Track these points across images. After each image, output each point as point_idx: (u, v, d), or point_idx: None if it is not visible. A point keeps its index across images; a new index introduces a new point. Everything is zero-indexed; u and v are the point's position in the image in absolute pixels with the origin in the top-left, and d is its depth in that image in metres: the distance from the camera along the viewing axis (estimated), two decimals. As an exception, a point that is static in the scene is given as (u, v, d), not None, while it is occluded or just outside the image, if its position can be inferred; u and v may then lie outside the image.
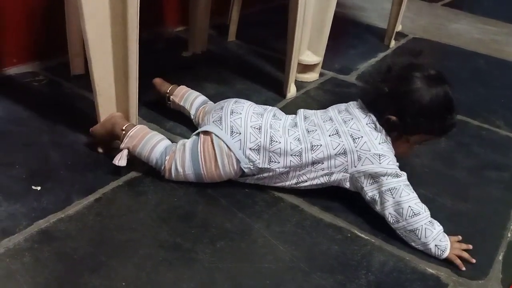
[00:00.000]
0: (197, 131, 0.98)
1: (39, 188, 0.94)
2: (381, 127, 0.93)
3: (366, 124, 0.93)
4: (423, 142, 0.99)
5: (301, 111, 1.01)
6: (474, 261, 0.88)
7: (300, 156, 0.93)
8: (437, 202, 1.03)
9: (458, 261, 0.87)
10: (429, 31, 2.07)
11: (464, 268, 0.86)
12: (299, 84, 1.46)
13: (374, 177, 0.91)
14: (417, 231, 0.87)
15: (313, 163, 0.93)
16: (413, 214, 0.87)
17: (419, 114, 0.91)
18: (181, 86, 1.19)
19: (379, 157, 0.90)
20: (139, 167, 1.01)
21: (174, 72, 1.45)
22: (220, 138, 0.93)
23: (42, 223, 0.86)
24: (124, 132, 0.98)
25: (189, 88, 1.19)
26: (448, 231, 0.95)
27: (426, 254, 0.89)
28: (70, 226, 0.86)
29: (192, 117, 1.13)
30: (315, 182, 0.96)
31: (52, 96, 1.26)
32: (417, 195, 0.91)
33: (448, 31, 2.10)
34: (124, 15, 0.93)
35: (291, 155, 0.93)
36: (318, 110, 1.01)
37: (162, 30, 1.72)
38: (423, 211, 0.88)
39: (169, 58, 1.56)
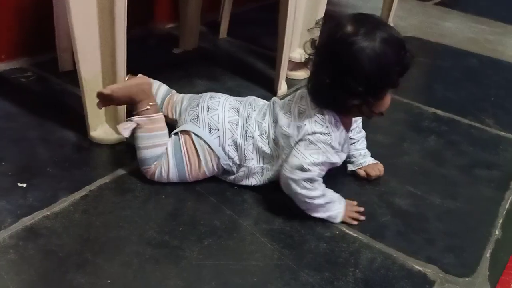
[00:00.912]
0: (175, 131, 0.97)
1: (25, 184, 0.93)
2: (331, 117, 0.88)
3: (315, 115, 0.88)
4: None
5: (273, 99, 0.98)
6: (363, 218, 0.93)
7: (270, 154, 0.93)
8: (426, 200, 1.03)
9: (348, 220, 0.93)
10: (421, 30, 2.07)
11: (355, 223, 0.93)
12: (290, 82, 1.45)
13: (293, 156, 0.88)
14: (310, 210, 0.92)
15: (278, 159, 0.93)
16: (307, 204, 0.90)
17: (380, 75, 0.82)
18: (140, 75, 1.07)
19: (309, 143, 0.87)
20: (126, 165, 1.00)
21: (164, 69, 1.44)
22: (199, 136, 0.93)
23: (28, 220, 0.85)
24: (148, 108, 0.93)
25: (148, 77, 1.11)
26: (437, 229, 0.95)
27: (414, 252, 0.89)
28: (56, 223, 0.85)
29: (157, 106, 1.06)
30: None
31: (41, 92, 1.25)
32: (315, 185, 0.89)
33: (440, 30, 2.10)
34: (111, 9, 0.92)
35: (261, 152, 0.93)
36: (289, 97, 0.96)
37: (153, 27, 1.71)
38: (317, 200, 0.90)
39: (160, 54, 1.55)
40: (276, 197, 0.98)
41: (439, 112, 1.40)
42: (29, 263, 0.77)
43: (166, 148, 0.94)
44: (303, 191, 0.88)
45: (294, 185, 0.89)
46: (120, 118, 1.05)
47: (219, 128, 0.93)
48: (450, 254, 0.89)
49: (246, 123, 0.94)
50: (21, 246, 0.80)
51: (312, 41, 0.88)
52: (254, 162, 0.94)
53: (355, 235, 0.91)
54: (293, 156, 0.88)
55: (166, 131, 0.95)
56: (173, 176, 0.94)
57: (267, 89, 1.40)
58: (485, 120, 1.38)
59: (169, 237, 0.85)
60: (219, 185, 0.98)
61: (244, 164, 0.94)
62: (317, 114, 0.88)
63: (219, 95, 1.00)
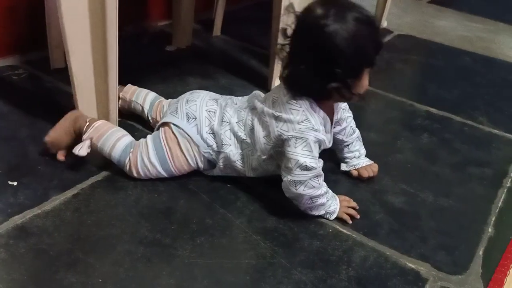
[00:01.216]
0: (157, 126, 0.98)
1: (15, 183, 0.92)
2: (305, 101, 0.86)
3: (287, 102, 0.87)
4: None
5: (255, 92, 0.97)
6: (358, 216, 0.94)
7: (245, 140, 0.92)
8: (419, 198, 1.03)
9: (345, 216, 0.93)
10: (415, 28, 2.07)
11: (350, 222, 0.93)
12: (284, 80, 1.45)
13: (289, 160, 0.88)
14: (311, 209, 0.92)
15: (255, 149, 0.92)
16: (312, 202, 0.90)
17: (357, 54, 0.81)
18: (129, 85, 1.14)
19: (296, 140, 0.86)
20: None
21: (157, 66, 1.44)
22: (178, 126, 0.94)
23: (18, 219, 0.84)
24: (88, 123, 0.96)
25: (137, 87, 1.14)
26: (429, 226, 0.95)
27: (407, 249, 0.89)
28: (47, 222, 0.84)
29: (146, 113, 1.09)
30: (271, 172, 0.95)
31: (32, 90, 1.24)
32: (320, 182, 0.90)
33: (434, 28, 2.10)
34: (102, 7, 0.91)
35: (237, 137, 0.93)
36: (271, 91, 0.95)
37: (146, 24, 1.70)
38: (321, 199, 0.90)
39: (153, 52, 1.55)
40: (270, 195, 0.98)
41: (432, 110, 1.40)
42: (20, 262, 0.76)
43: (146, 139, 0.95)
44: (310, 191, 0.88)
45: (301, 187, 0.88)
46: (112, 115, 1.04)
47: (196, 117, 0.94)
48: (443, 252, 0.90)
49: (224, 110, 0.95)
50: (11, 245, 0.79)
51: (283, 30, 0.86)
52: (232, 148, 0.93)
53: (348, 233, 0.91)
54: (290, 159, 0.87)
55: (118, 127, 0.99)
56: (155, 163, 0.93)
57: (261, 86, 1.39)
58: (478, 118, 1.38)
59: (161, 235, 0.85)
60: (212, 183, 0.98)
61: (222, 150, 0.94)
62: (290, 101, 0.86)
63: (201, 91, 1.02)
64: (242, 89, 1.37)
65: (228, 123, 0.93)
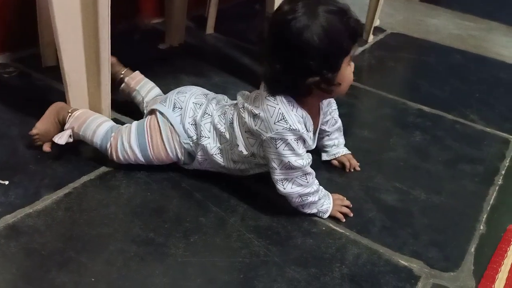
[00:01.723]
0: (145, 114, 0.99)
1: (6, 182, 0.91)
2: (284, 97, 0.84)
3: (265, 97, 0.85)
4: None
5: (242, 92, 0.96)
6: (352, 215, 0.94)
7: (224, 134, 0.91)
8: (411, 195, 1.04)
9: (338, 215, 0.93)
10: (407, 26, 2.08)
11: (344, 220, 0.93)
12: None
13: (272, 160, 0.87)
14: (303, 207, 0.92)
15: (235, 144, 0.90)
16: (302, 200, 0.90)
17: (331, 46, 0.80)
18: (137, 72, 1.13)
19: (276, 142, 0.84)
20: (111, 162, 0.98)
21: (150, 64, 1.43)
22: (163, 113, 0.94)
23: (10, 218, 0.83)
24: (70, 113, 0.97)
25: (144, 77, 1.14)
26: (422, 224, 0.96)
27: (399, 247, 0.89)
28: (39, 221, 0.83)
29: (144, 104, 1.09)
30: (256, 171, 0.95)
31: (23, 88, 1.23)
32: (308, 181, 0.89)
33: (426, 26, 2.11)
34: (94, 3, 0.91)
35: (217, 130, 0.92)
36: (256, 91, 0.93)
37: (138, 22, 1.69)
38: (311, 197, 0.90)
39: (145, 50, 1.54)
40: (263, 194, 0.98)
41: (424, 108, 1.41)
42: (11, 261, 0.76)
43: (131, 125, 0.96)
44: (298, 189, 0.88)
45: (289, 185, 0.88)
46: (105, 113, 1.04)
47: (182, 107, 0.94)
48: (435, 249, 0.90)
49: (209, 103, 0.95)
50: (2, 244, 0.78)
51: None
52: (210, 141, 0.93)
53: (341, 231, 0.91)
54: (273, 159, 0.86)
55: (98, 114, 1.00)
56: (134, 145, 0.94)
57: (254, 84, 1.38)
58: (469, 116, 1.39)
59: (154, 234, 0.84)
60: (205, 181, 0.98)
61: (200, 142, 0.93)
62: (268, 97, 0.85)
63: (196, 87, 1.02)
64: (235, 86, 1.37)
65: (209, 116, 0.94)
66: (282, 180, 0.88)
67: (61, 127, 0.99)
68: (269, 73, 0.84)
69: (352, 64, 0.87)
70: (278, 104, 0.84)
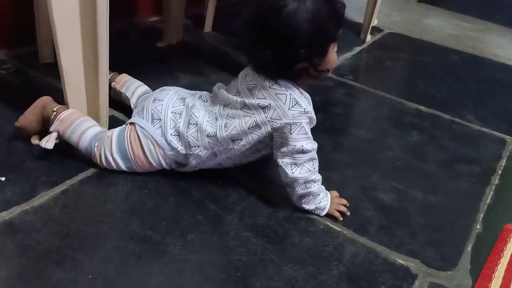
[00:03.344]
0: (126, 122, 0.97)
1: (3, 179, 0.90)
2: (288, 83, 0.86)
3: (270, 87, 0.86)
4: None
5: (218, 85, 0.97)
6: (349, 213, 0.94)
7: (215, 136, 0.90)
8: (408, 194, 1.04)
9: (336, 213, 0.93)
10: (405, 26, 2.08)
11: (341, 219, 0.93)
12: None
13: (286, 145, 0.88)
14: (304, 198, 0.92)
15: (232, 140, 0.90)
16: (306, 188, 0.90)
17: (319, 32, 0.81)
18: (123, 74, 1.14)
19: (290, 127, 0.86)
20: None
21: (147, 62, 1.43)
22: (142, 127, 0.92)
23: (6, 215, 0.83)
24: (55, 113, 0.96)
25: (131, 77, 1.14)
26: (419, 223, 0.96)
27: (396, 246, 0.89)
28: (35, 218, 0.83)
29: (132, 106, 1.09)
30: (250, 159, 0.95)
31: (20, 85, 1.22)
32: (315, 167, 0.90)
33: (423, 26, 2.12)
34: (93, 0, 0.90)
35: (207, 136, 0.90)
36: (233, 80, 0.94)
37: (136, 20, 1.68)
38: (315, 186, 0.90)
39: (143, 48, 1.53)
40: (261, 192, 0.98)
41: (422, 108, 1.41)
42: (7, 258, 0.75)
43: (112, 133, 0.94)
44: (306, 174, 0.88)
45: (298, 170, 0.88)
46: (102, 111, 1.03)
47: (161, 118, 0.92)
48: (432, 248, 0.90)
49: (190, 111, 0.92)
50: (-1, 241, 0.78)
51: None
52: (201, 149, 0.91)
53: (338, 229, 0.92)
54: (287, 145, 0.87)
55: (86, 117, 0.98)
56: (117, 157, 0.93)
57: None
58: (466, 116, 1.40)
59: (151, 232, 0.84)
60: (203, 179, 0.98)
61: (191, 152, 0.92)
62: (273, 86, 0.86)
63: (172, 88, 1.00)
64: (233, 85, 1.37)
65: (195, 125, 0.91)
66: (290, 164, 0.88)
67: (44, 123, 0.98)
68: (258, 60, 0.85)
69: (335, 47, 0.88)
70: (287, 90, 0.86)
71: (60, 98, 1.01)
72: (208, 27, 1.72)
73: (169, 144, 0.92)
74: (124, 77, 1.13)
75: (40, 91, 1.19)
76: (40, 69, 1.28)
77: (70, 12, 0.90)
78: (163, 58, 1.48)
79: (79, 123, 0.95)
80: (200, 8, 1.77)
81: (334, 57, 0.88)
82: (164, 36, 1.57)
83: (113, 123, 1.05)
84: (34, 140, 0.99)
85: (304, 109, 0.86)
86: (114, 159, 0.93)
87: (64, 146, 1.00)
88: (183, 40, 1.60)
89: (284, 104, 0.85)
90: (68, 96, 0.99)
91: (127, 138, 0.93)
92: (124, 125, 0.96)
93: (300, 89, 0.88)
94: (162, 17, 1.58)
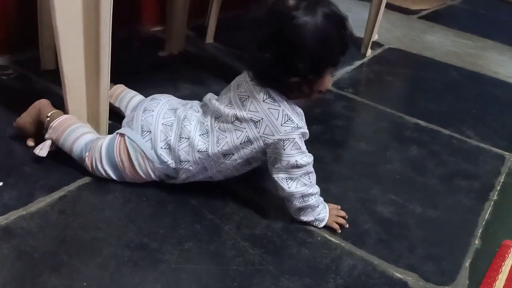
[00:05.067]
0: (116, 131, 0.95)
1: (1, 183, 0.90)
2: (281, 98, 0.85)
3: (263, 101, 0.84)
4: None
5: (209, 96, 0.94)
6: (347, 226, 0.94)
7: (206, 151, 0.88)
8: (407, 209, 1.04)
9: (334, 225, 0.93)
10: (405, 42, 2.10)
11: (339, 231, 0.93)
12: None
13: (279, 161, 0.87)
14: (302, 210, 0.91)
15: (224, 155, 0.88)
16: (303, 201, 0.89)
17: (323, 52, 0.81)
18: (117, 85, 1.12)
19: (283, 143, 0.85)
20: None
21: (149, 71, 1.43)
22: (132, 139, 0.91)
23: (2, 220, 0.82)
24: (48, 120, 0.96)
25: (126, 87, 1.12)
26: (417, 237, 0.96)
27: (395, 259, 0.89)
28: (32, 223, 0.83)
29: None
30: (241, 172, 0.94)
31: (21, 91, 1.23)
32: (311, 180, 0.89)
33: (423, 42, 2.13)
34: (97, 7, 0.91)
35: (198, 151, 0.89)
36: (224, 90, 0.93)
37: (139, 29, 1.70)
38: (313, 199, 0.90)
39: (145, 57, 1.54)
40: (259, 202, 0.97)
41: (421, 122, 1.41)
42: (2, 263, 0.75)
43: (102, 143, 0.93)
44: (302, 189, 0.88)
45: (293, 184, 0.87)
46: (103, 118, 1.03)
47: (151, 130, 0.90)
48: (431, 262, 0.90)
49: (182, 124, 0.90)
50: (-6, 246, 0.77)
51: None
52: (191, 164, 0.90)
53: (336, 241, 0.91)
54: (280, 161, 0.86)
55: (79, 123, 0.97)
56: (108, 167, 0.92)
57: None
58: (465, 132, 1.40)
59: (148, 239, 0.84)
60: (201, 188, 0.97)
61: (181, 166, 0.90)
62: (266, 100, 0.84)
63: (164, 96, 0.98)
64: (234, 96, 1.37)
65: (186, 139, 0.89)
66: (286, 179, 0.88)
67: (39, 126, 0.99)
68: (256, 61, 0.84)
69: (333, 73, 0.89)
70: (280, 106, 0.85)
71: (61, 105, 1.02)
72: (210, 37, 1.73)
73: (158, 157, 0.90)
74: (117, 89, 1.11)
75: (41, 97, 1.19)
76: (41, 75, 1.29)
77: (73, 18, 0.91)
78: (164, 67, 1.49)
79: (71, 131, 0.95)
80: (203, 19, 1.78)
81: (328, 81, 0.88)
82: (166, 46, 1.58)
83: (113, 130, 1.05)
84: (29, 143, 1.00)
85: (297, 124, 0.85)
86: (104, 170, 0.93)
87: (63, 152, 1.00)
88: (184, 50, 1.61)
89: (277, 120, 0.84)
90: (68, 103, 0.99)
91: (116, 150, 0.91)
92: (114, 134, 0.94)
93: (293, 104, 0.87)
94: (165, 27, 1.59)
